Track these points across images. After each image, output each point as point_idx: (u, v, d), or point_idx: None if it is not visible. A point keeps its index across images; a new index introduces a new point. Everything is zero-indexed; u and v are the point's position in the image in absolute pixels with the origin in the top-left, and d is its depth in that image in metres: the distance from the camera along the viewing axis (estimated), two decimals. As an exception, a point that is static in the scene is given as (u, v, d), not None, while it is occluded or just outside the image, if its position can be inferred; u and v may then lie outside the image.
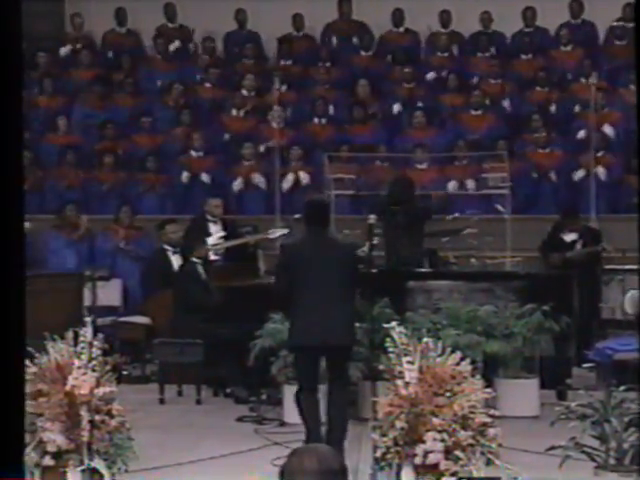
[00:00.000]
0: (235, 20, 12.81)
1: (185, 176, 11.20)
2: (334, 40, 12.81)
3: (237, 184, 11.14)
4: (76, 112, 11.99)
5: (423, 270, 8.58)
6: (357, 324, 6.77)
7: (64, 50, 12.73)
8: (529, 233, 10.11)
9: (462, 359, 4.77)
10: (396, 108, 12.00)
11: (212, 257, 9.51)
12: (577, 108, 11.66)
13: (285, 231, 9.57)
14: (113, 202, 11.01)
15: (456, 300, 7.90)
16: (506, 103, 12.05)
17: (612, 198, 10.88)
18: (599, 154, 10.84)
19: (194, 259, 8.82)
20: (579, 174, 10.98)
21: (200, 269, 8.77)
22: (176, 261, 9.49)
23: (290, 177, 11.02)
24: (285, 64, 12.49)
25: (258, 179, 11.14)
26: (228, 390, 8.28)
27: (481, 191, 10.62)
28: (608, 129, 11.11)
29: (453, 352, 4.80)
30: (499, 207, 10.14)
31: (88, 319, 5.16)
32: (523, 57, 12.38)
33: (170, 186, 11.34)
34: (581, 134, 11.27)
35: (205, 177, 11.22)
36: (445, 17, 12.54)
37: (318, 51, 12.59)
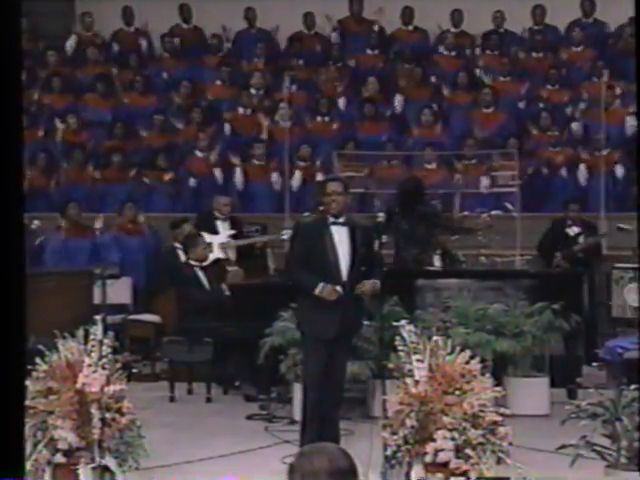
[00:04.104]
0: (245, 19, 12.83)
1: (192, 180, 11.21)
2: (344, 38, 12.81)
3: (239, 183, 11.12)
4: (84, 110, 12.03)
5: (432, 268, 8.58)
6: (367, 322, 6.80)
7: (69, 44, 12.72)
8: (539, 231, 10.09)
9: (472, 357, 4.77)
10: (399, 107, 11.98)
11: (221, 256, 9.49)
12: (586, 106, 11.65)
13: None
14: (119, 201, 11.02)
15: (466, 298, 7.90)
16: (516, 101, 12.04)
17: (622, 196, 10.84)
18: (605, 152, 10.83)
19: (192, 262, 8.71)
20: (583, 174, 10.94)
21: (199, 272, 8.62)
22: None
23: (298, 175, 11.00)
24: (296, 63, 12.51)
25: (273, 178, 11.12)
26: (237, 383, 8.29)
27: (491, 189, 10.61)
28: (619, 127, 11.07)
29: (463, 350, 4.79)
30: (508, 205, 10.12)
31: (98, 317, 5.17)
32: (533, 55, 12.35)
33: (178, 185, 11.35)
34: (578, 129, 11.25)
35: (211, 177, 11.20)
36: (457, 16, 12.53)
37: (328, 50, 12.58)
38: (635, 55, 4.06)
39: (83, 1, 13.20)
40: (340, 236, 6.04)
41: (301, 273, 6.06)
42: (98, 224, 10.11)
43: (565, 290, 8.05)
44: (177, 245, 9.58)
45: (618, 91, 11.30)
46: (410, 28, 12.76)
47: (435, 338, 4.81)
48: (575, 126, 11.42)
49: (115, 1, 12.80)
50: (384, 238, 7.37)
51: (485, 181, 10.84)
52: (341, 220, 6.07)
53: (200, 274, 8.63)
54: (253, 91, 12.08)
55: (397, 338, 4.86)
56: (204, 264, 8.74)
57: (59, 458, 4.81)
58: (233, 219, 9.98)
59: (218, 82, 12.34)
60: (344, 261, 6.02)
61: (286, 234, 9.48)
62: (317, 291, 5.90)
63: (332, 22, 12.76)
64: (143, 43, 12.87)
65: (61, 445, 4.79)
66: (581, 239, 9.82)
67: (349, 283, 6.00)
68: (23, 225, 3.09)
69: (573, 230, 9.91)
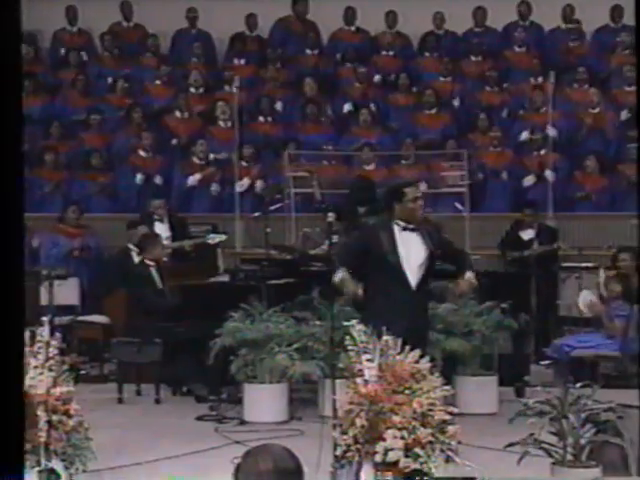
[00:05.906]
0: (186, 19, 12.76)
1: (139, 178, 11.13)
2: (283, 38, 12.78)
3: (191, 181, 11.04)
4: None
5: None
6: (318, 322, 6.79)
7: None
8: (487, 231, 10.20)
9: (421, 357, 4.78)
10: (346, 108, 12.01)
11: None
12: (523, 109, 11.76)
13: (223, 237, 9.66)
14: (55, 201, 10.88)
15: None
16: (456, 103, 12.10)
17: (563, 196, 10.95)
18: (542, 152, 10.95)
19: (147, 262, 8.68)
20: (529, 179, 11.03)
21: (153, 272, 8.60)
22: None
23: (245, 181, 10.93)
24: (238, 63, 12.46)
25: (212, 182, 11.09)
26: (185, 389, 8.25)
27: (440, 189, 10.68)
28: (551, 130, 11.12)
29: (412, 350, 4.80)
30: (458, 205, 10.21)
31: (45, 318, 5.10)
32: (472, 58, 12.43)
33: (116, 186, 11.24)
34: (524, 135, 11.35)
35: (155, 177, 11.16)
36: (391, 17, 12.59)
37: (268, 50, 12.52)
38: (635, 56, 4.12)
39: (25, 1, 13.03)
40: (411, 243, 5.98)
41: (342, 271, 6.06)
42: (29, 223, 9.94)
43: (513, 289, 8.13)
44: (131, 247, 9.48)
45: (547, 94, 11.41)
46: (352, 29, 12.79)
47: (385, 338, 4.82)
48: (520, 131, 11.51)
49: (59, 0, 12.67)
50: (335, 238, 7.38)
51: (422, 185, 10.89)
52: (412, 226, 6.02)
53: (154, 274, 8.59)
54: (192, 90, 12.01)
55: (347, 338, 4.86)
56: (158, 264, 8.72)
57: (4, 461, 4.73)
58: (172, 220, 9.95)
59: (158, 82, 12.25)
60: (415, 268, 5.97)
61: (212, 239, 9.55)
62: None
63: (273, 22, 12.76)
64: (83, 42, 12.73)
65: (6, 448, 4.72)
66: (535, 245, 9.91)
67: (418, 290, 5.99)
68: (23, 225, 3.05)
69: (527, 234, 10.01)
